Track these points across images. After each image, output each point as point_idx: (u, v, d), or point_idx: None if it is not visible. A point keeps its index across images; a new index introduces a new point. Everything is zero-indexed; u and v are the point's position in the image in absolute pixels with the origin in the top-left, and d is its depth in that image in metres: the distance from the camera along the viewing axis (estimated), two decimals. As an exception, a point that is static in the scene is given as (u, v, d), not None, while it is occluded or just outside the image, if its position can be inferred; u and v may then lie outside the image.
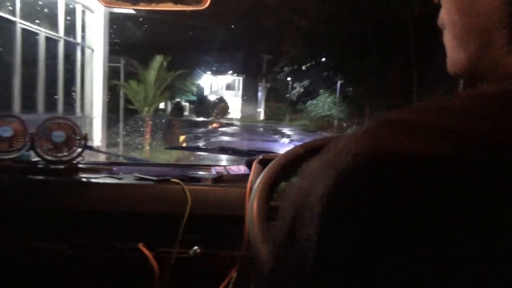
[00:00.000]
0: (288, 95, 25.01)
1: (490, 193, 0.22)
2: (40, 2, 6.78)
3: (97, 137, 7.82)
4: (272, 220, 0.75)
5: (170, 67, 10.36)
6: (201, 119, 21.82)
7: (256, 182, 0.78)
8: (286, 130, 19.07)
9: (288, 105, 25.56)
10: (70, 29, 7.34)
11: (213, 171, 1.18)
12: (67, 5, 7.13)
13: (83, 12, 7.66)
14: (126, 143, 9.31)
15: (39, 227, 1.01)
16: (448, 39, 0.35)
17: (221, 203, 1.01)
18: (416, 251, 0.22)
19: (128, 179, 1.10)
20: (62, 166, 1.11)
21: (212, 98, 26.33)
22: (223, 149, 1.40)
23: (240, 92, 28.90)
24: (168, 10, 0.99)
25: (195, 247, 0.94)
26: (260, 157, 1.07)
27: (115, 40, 9.68)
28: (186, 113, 22.63)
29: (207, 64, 24.83)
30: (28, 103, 6.35)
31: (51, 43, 6.87)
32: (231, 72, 28.70)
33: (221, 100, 25.70)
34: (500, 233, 0.21)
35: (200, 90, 25.21)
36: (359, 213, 0.23)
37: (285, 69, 18.18)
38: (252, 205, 0.74)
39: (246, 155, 1.29)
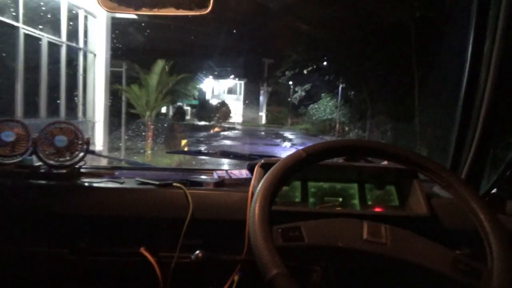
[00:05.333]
0: (289, 99, 25.03)
1: None
2: (43, 8, 6.82)
3: (99, 142, 7.83)
4: (274, 225, 0.75)
5: (172, 72, 10.39)
6: (202, 123, 21.85)
7: (258, 187, 0.78)
8: (288, 134, 19.07)
9: (290, 109, 25.58)
10: (72, 34, 7.38)
11: (215, 175, 1.18)
12: (69, 11, 7.17)
13: (86, 17, 7.70)
14: (128, 147, 9.32)
15: (41, 231, 1.01)
16: None
17: (223, 207, 1.01)
18: None
19: (130, 184, 1.10)
20: (64, 171, 1.11)
21: (214, 102, 26.36)
22: (225, 153, 1.40)
23: (241, 96, 28.94)
24: (170, 14, 0.99)
25: (197, 251, 0.93)
26: (262, 161, 1.07)
27: (117, 45, 9.71)
28: (188, 117, 22.67)
29: (208, 68, 24.90)
30: (31, 108, 6.38)
31: (53, 48, 6.91)
32: (232, 76, 28.76)
33: (222, 104, 25.73)
34: None
35: (202, 94, 25.27)
36: None
37: (287, 73, 18.20)
38: (254, 209, 0.73)
39: (247, 159, 1.29)
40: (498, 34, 1.06)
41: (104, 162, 1.92)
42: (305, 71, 17.04)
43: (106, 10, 1.04)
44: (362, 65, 11.63)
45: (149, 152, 9.13)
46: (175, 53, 13.27)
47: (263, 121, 27.76)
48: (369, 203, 1.06)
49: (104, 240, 1.00)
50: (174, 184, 1.05)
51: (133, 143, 9.57)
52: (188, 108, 23.58)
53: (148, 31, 12.54)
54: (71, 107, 7.55)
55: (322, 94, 19.13)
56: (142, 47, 12.18)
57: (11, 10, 5.97)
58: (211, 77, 27.30)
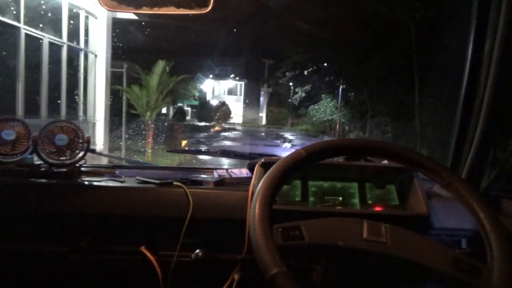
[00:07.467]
0: (290, 100, 25.01)
1: None
2: (44, 8, 6.83)
3: (100, 141, 7.84)
4: (275, 224, 0.75)
5: (172, 72, 10.39)
6: (203, 123, 21.84)
7: (258, 186, 0.78)
8: (288, 135, 19.06)
9: (290, 109, 25.56)
10: (73, 34, 7.39)
11: (215, 174, 1.18)
12: (70, 11, 7.18)
13: (86, 17, 7.71)
14: (128, 147, 9.33)
15: (41, 230, 1.01)
16: None
17: (223, 206, 1.01)
18: None
19: (130, 182, 1.10)
20: (64, 169, 1.11)
21: (214, 102, 26.36)
22: (225, 152, 1.41)
23: (242, 97, 28.93)
24: (170, 13, 0.99)
25: (197, 250, 0.93)
26: (262, 160, 1.07)
27: (118, 45, 9.72)
28: (188, 117, 22.67)
29: (209, 68, 24.91)
30: (31, 107, 6.38)
31: (54, 48, 6.92)
32: (233, 76, 28.77)
33: (223, 104, 25.73)
34: None
35: (202, 94, 25.27)
36: None
37: (287, 74, 18.19)
38: (254, 208, 0.73)
39: (248, 158, 1.29)
40: (498, 34, 1.06)
41: (104, 161, 1.93)
42: (305, 72, 17.04)
43: (107, 9, 1.05)
44: (362, 65, 11.63)
45: (150, 151, 9.13)
46: (175, 53, 13.29)
47: (263, 121, 27.75)
48: (369, 202, 1.06)
49: (104, 239, 1.00)
50: (175, 183, 1.05)
51: (133, 143, 9.58)
52: (189, 108, 23.58)
53: (148, 30, 12.56)
54: (72, 106, 7.57)
55: (323, 95, 19.09)
56: (142, 47, 12.20)
57: (13, 10, 5.99)
58: (211, 77, 27.31)
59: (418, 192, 1.01)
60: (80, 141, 1.16)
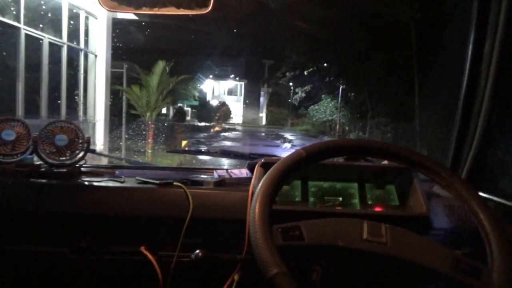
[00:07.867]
0: (290, 100, 25.02)
1: None
2: (44, 9, 6.84)
3: (100, 141, 7.84)
4: (274, 224, 0.75)
5: (172, 72, 10.39)
6: (203, 124, 21.85)
7: (258, 186, 0.78)
8: (288, 135, 19.07)
9: (290, 110, 25.58)
10: (73, 35, 7.40)
11: (215, 174, 1.18)
12: (70, 11, 7.19)
13: (86, 18, 7.72)
14: (128, 147, 9.33)
15: (41, 230, 1.01)
16: None
17: (223, 207, 1.01)
18: None
19: (130, 183, 1.10)
20: (64, 170, 1.11)
21: (214, 103, 26.38)
22: (225, 153, 1.41)
23: (242, 97, 28.95)
24: (170, 14, 0.99)
25: (197, 251, 0.93)
26: (262, 160, 1.07)
27: (118, 45, 9.71)
28: (188, 117, 22.69)
29: (209, 69, 24.93)
30: (32, 108, 6.39)
31: (54, 48, 6.92)
32: (233, 76, 28.80)
33: (223, 104, 25.74)
34: None
35: (202, 95, 25.29)
36: None
37: (287, 74, 18.20)
38: (254, 208, 0.73)
39: (248, 159, 1.29)
40: (498, 34, 1.06)
41: (104, 161, 1.93)
42: (305, 72, 17.04)
43: (107, 9, 1.05)
44: (362, 66, 11.63)
45: (150, 151, 9.13)
46: (175, 53, 13.30)
47: (263, 122, 27.78)
48: (369, 202, 1.06)
49: (104, 239, 1.00)
50: (175, 183, 1.05)
51: (133, 143, 9.58)
52: (189, 108, 23.60)
53: (148, 31, 12.56)
54: (72, 107, 7.57)
55: (323, 95, 19.09)
56: (142, 47, 12.19)
57: (13, 10, 5.99)
58: (211, 77, 27.32)
59: (418, 192, 1.01)
60: (80, 141, 1.16)
